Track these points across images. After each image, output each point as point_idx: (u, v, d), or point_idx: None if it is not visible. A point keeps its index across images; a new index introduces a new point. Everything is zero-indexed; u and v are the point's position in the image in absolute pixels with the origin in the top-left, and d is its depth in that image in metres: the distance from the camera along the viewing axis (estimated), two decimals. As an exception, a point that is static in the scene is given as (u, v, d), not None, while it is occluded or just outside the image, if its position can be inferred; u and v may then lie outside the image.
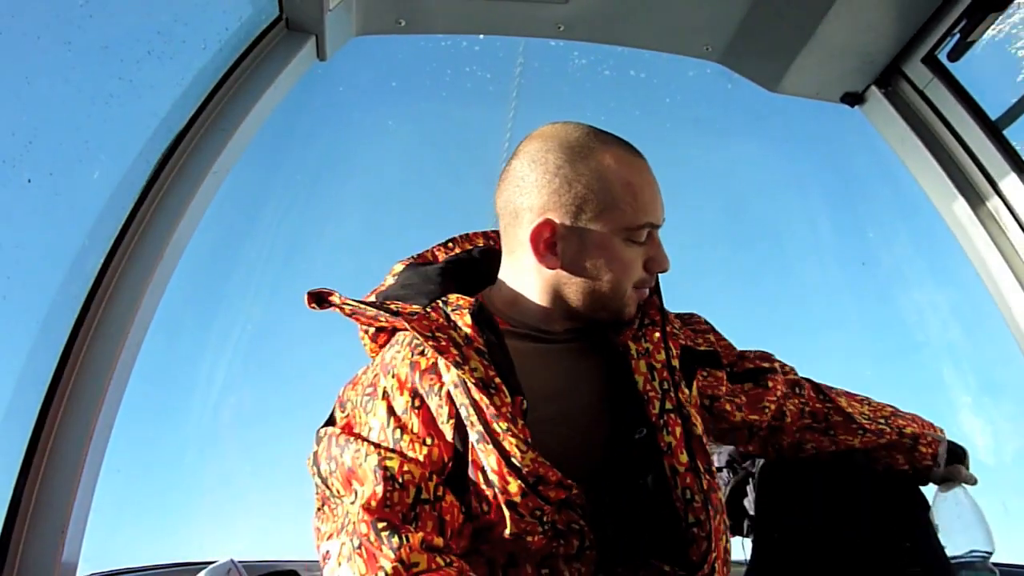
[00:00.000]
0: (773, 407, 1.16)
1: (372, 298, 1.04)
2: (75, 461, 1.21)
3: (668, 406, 0.95)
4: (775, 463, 1.45)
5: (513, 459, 0.83)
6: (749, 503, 1.42)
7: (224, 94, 1.51)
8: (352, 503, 0.84)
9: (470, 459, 0.86)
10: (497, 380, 0.87)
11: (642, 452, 0.90)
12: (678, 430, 0.94)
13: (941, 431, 1.23)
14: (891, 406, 1.25)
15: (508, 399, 0.86)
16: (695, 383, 1.06)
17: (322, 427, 0.96)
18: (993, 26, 1.64)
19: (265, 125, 1.59)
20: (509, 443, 0.84)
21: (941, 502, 1.14)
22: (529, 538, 0.85)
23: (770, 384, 1.16)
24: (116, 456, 1.33)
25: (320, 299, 0.95)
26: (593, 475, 0.90)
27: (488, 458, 0.84)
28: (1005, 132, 1.69)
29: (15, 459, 1.18)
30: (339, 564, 0.81)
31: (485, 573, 0.86)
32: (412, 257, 1.12)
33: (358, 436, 0.91)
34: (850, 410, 1.19)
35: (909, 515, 1.40)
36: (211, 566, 1.57)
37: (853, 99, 1.94)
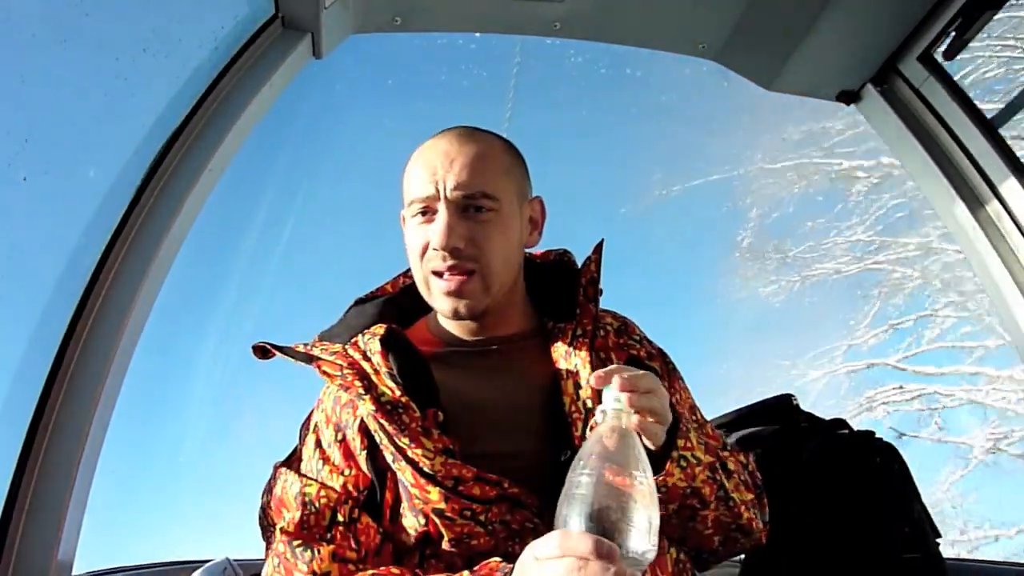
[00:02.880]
0: None
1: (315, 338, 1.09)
2: (71, 459, 1.21)
3: (591, 424, 0.93)
4: (772, 457, 1.46)
5: (424, 468, 0.87)
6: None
7: (220, 92, 1.51)
8: (280, 528, 0.91)
9: (396, 480, 0.91)
10: (404, 399, 0.91)
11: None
12: None
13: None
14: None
15: (417, 414, 0.90)
16: None
17: (278, 461, 1.03)
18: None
19: (261, 123, 1.59)
20: (415, 454, 0.87)
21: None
22: (474, 541, 0.87)
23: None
24: (112, 455, 1.33)
25: (265, 350, 1.02)
26: (538, 481, 0.90)
27: (404, 474, 0.88)
28: (1000, 130, 1.70)
29: (11, 457, 1.17)
30: None
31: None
32: (368, 292, 1.16)
33: (290, 467, 0.98)
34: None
35: (906, 505, 1.42)
36: (206, 565, 1.57)
37: (849, 97, 1.94)
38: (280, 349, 1.01)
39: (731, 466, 1.00)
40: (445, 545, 0.88)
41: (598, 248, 1.11)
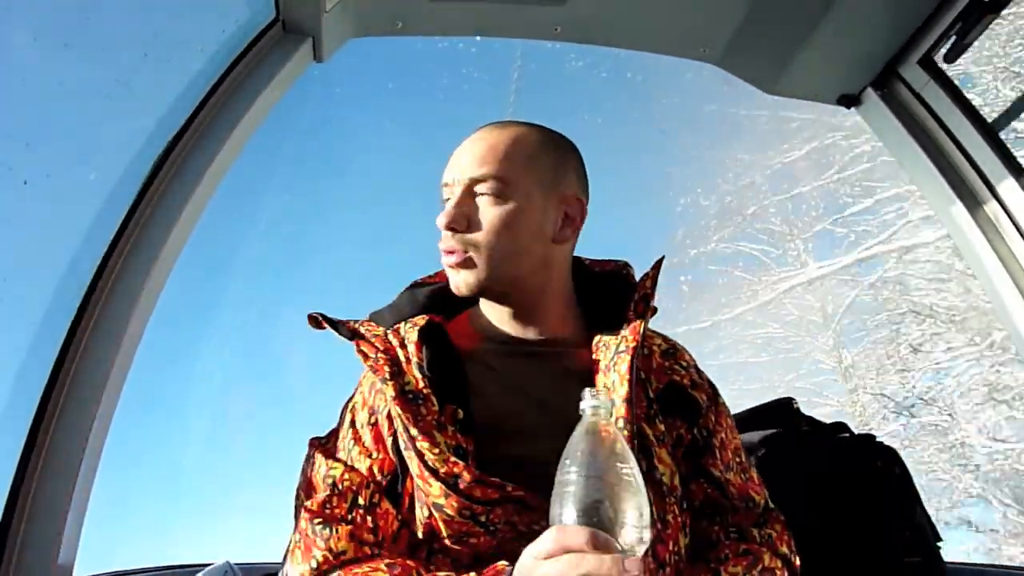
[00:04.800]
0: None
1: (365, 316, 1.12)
2: (71, 463, 1.20)
3: None
4: (773, 460, 1.46)
5: (427, 461, 0.88)
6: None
7: (221, 96, 1.51)
8: (305, 507, 0.93)
9: (408, 469, 0.93)
10: (426, 391, 0.94)
11: None
12: None
13: None
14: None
15: (435, 408, 0.93)
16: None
17: (314, 437, 1.05)
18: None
19: (262, 127, 1.59)
20: (422, 447, 0.89)
21: None
22: (473, 540, 0.88)
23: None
24: (113, 458, 1.33)
25: (318, 321, 1.05)
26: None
27: (412, 463, 0.90)
28: (1001, 134, 1.70)
29: (11, 461, 1.17)
30: (285, 560, 0.93)
31: (451, 570, 0.88)
32: (425, 277, 1.17)
33: (325, 446, 1.03)
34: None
35: (907, 508, 1.42)
36: (207, 568, 1.57)
37: (849, 101, 1.94)
38: (330, 321, 1.04)
39: (766, 562, 0.97)
40: (447, 541, 0.89)
41: (657, 265, 1.10)
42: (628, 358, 0.97)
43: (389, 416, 0.96)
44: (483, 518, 0.87)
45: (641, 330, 1.01)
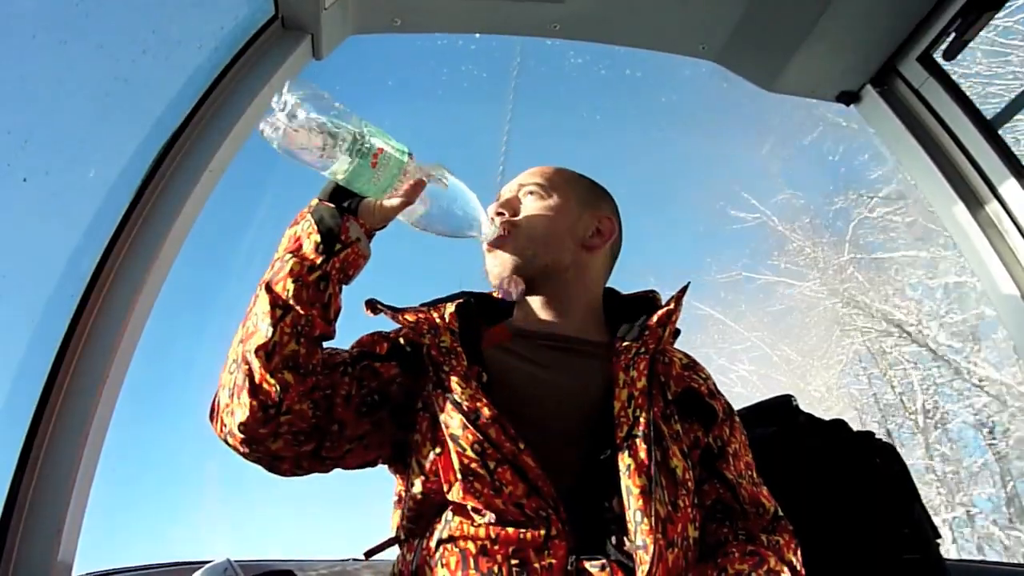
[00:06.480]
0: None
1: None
2: (71, 460, 1.21)
3: (636, 431, 0.97)
4: (773, 457, 1.46)
5: (453, 395, 0.97)
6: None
7: (220, 93, 1.51)
8: None
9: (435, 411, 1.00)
10: (458, 348, 1.05)
11: (607, 472, 0.96)
12: (641, 454, 0.95)
13: None
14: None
15: (464, 363, 1.03)
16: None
17: None
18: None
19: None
20: (451, 381, 0.99)
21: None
22: (477, 484, 0.92)
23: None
24: (112, 455, 1.33)
25: (373, 306, 1.12)
26: (567, 477, 0.96)
27: (437, 401, 0.99)
28: (1000, 131, 1.69)
29: (11, 458, 1.18)
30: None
31: (458, 561, 0.90)
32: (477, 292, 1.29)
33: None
34: None
35: (906, 506, 1.42)
36: (207, 565, 1.57)
37: (849, 98, 1.94)
38: (383, 307, 1.11)
39: (772, 564, 0.99)
40: (456, 494, 0.93)
41: (683, 289, 1.18)
42: (647, 357, 1.06)
43: (426, 354, 1.05)
44: (492, 465, 0.92)
45: (660, 335, 1.10)
